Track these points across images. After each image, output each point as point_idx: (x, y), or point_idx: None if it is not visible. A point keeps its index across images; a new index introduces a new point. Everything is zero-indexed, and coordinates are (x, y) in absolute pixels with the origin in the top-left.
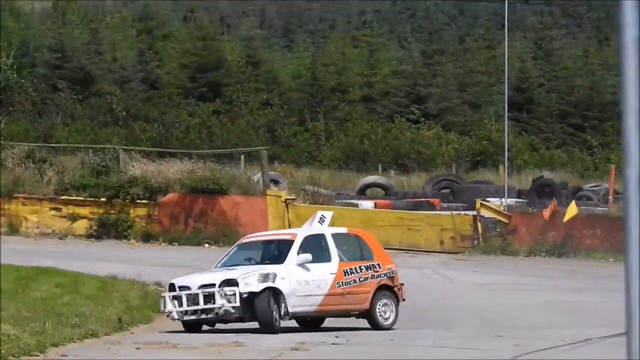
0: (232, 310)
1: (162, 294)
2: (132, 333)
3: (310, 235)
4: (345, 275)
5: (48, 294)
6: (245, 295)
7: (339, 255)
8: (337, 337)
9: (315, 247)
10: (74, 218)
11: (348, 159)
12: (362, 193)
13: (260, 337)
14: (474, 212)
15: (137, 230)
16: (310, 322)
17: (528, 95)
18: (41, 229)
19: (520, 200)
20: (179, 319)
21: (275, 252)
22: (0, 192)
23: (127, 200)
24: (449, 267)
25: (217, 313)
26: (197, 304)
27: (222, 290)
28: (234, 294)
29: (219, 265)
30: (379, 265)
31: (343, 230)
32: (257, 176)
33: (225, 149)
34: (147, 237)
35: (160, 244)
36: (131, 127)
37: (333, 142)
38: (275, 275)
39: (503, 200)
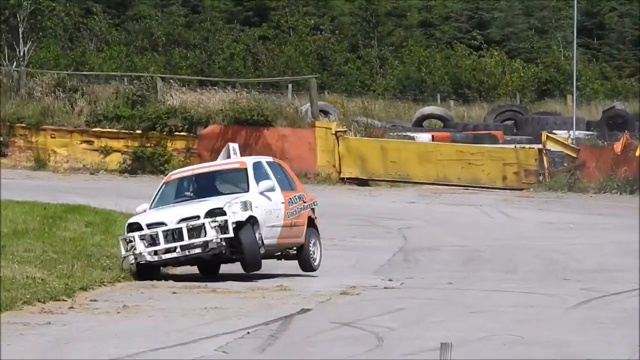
0: (224, 243)
1: (125, 236)
2: (168, 275)
3: (254, 163)
4: (289, 205)
5: (77, 233)
6: (233, 226)
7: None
8: (390, 280)
9: (261, 176)
10: (106, 151)
11: (404, 88)
12: (419, 125)
13: (306, 280)
14: (540, 146)
15: (174, 165)
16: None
17: (599, 20)
18: (71, 163)
19: (590, 132)
20: (152, 261)
21: (228, 182)
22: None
23: (165, 133)
24: (512, 205)
25: (204, 247)
26: (180, 239)
27: (215, 220)
28: (226, 224)
29: (153, 206)
30: (304, 196)
31: (269, 158)
32: (306, 106)
33: (272, 78)
34: None
35: None
36: (170, 54)
37: (387, 70)
38: (251, 203)
39: (571, 132)
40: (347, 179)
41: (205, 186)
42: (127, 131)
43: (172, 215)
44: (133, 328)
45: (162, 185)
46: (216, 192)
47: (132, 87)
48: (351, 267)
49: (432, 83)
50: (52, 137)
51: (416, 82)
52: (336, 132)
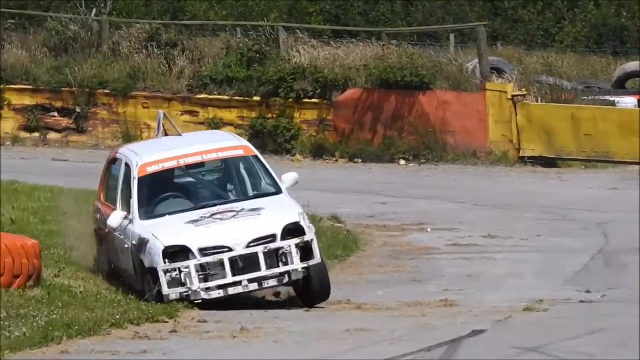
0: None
1: (166, 266)
2: None
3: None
4: None
5: None
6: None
7: None
8: (587, 291)
9: None
10: (215, 124)
11: (600, 37)
12: (621, 86)
13: (478, 292)
14: None
15: (304, 141)
16: None
17: None
18: None
19: None
20: (208, 299)
21: (231, 175)
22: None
23: (290, 99)
24: None
25: (283, 278)
26: (251, 268)
27: (302, 241)
28: (309, 246)
29: (145, 215)
30: None
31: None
32: (473, 63)
33: (428, 27)
34: (318, 151)
35: (336, 160)
36: None
37: (578, 15)
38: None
39: None
40: (528, 157)
41: (205, 182)
42: (241, 98)
43: (232, 233)
44: (254, 357)
45: (134, 182)
46: (233, 192)
47: (247, 40)
48: (536, 274)
49: (636, 31)
50: (144, 107)
51: (615, 29)
52: (513, 96)
